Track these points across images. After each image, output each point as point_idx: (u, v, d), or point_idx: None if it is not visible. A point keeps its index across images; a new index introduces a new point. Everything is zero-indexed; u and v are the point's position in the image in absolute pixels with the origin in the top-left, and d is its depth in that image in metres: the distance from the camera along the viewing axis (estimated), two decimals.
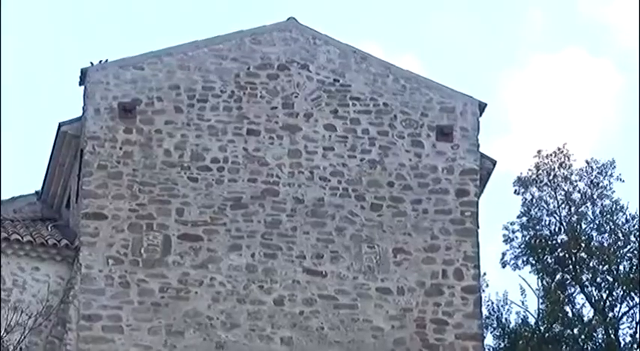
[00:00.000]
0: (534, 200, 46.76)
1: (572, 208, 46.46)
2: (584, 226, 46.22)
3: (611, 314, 45.86)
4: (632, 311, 46.14)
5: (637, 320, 46.23)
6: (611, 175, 46.51)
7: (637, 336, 46.04)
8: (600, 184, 46.51)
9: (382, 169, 36.99)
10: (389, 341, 35.61)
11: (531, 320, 46.73)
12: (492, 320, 44.48)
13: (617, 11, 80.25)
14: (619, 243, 45.92)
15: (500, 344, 45.42)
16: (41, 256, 35.53)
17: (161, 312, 34.83)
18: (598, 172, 46.69)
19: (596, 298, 46.04)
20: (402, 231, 36.60)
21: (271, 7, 57.76)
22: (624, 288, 45.50)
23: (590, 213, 46.47)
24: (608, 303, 46.06)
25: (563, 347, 45.50)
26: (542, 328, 46.33)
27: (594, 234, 46.25)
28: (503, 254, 46.10)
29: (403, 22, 74.06)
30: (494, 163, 38.57)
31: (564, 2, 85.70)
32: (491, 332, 43.29)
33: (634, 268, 45.74)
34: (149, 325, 34.68)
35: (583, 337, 45.95)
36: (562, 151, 46.89)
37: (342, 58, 37.77)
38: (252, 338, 34.98)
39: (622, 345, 45.68)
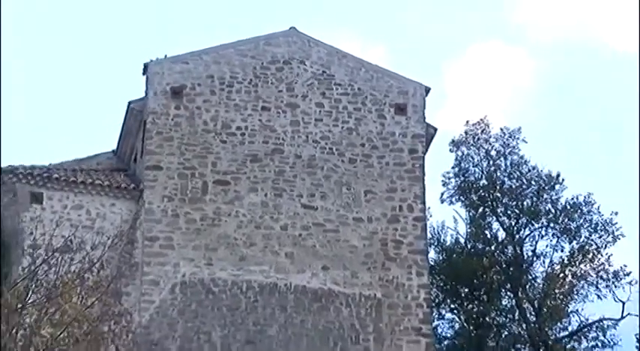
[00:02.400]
0: (463, 156, 46.74)
1: (490, 162, 46.43)
2: (498, 174, 46.24)
3: (517, 236, 45.86)
4: (532, 234, 46.14)
5: (536, 240, 46.21)
6: (518, 138, 46.43)
7: (536, 251, 46.09)
8: (510, 145, 46.45)
9: (357, 134, 37.17)
10: (361, 255, 35.93)
11: (461, 240, 46.73)
12: (434, 240, 44.58)
13: (530, 10, 79.60)
14: (523, 186, 45.92)
15: (439, 257, 45.48)
16: (116, 196, 35.72)
17: (201, 235, 35.06)
18: (509, 136, 46.62)
19: (507, 224, 46.04)
20: (370, 178, 36.82)
21: (274, 14, 56.76)
22: (527, 218, 45.56)
23: (503, 165, 46.42)
24: (515, 228, 46.04)
25: (484, 259, 45.49)
26: (469, 245, 46.39)
27: (506, 180, 46.25)
28: (442, 194, 46.14)
29: (375, 22, 73.66)
30: (435, 129, 38.78)
31: (492, 4, 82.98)
32: (433, 249, 43.26)
33: (534, 203, 45.77)
34: (192, 244, 34.91)
35: (498, 251, 46.02)
36: (483, 121, 46.91)
37: (329, 56, 37.92)
38: (265, 253, 35.26)
39: (525, 257, 45.75)
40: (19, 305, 20.96)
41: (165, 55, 37.23)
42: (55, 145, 64.41)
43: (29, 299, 21.91)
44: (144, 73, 36.66)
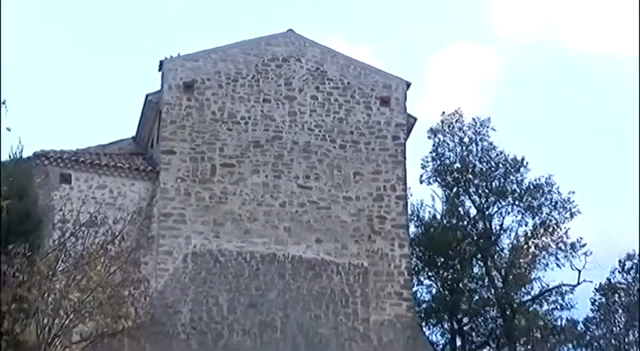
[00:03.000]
0: (440, 142, 46.62)
1: (463, 147, 46.33)
2: (470, 158, 46.14)
3: (487, 212, 45.85)
4: (500, 210, 46.16)
5: (503, 216, 46.23)
6: (487, 127, 46.30)
7: (503, 226, 46.13)
8: (481, 132, 46.32)
9: (346, 123, 37.12)
10: (350, 229, 35.93)
11: (438, 216, 46.70)
12: (414, 216, 44.48)
13: (499, 14, 79.59)
14: (492, 169, 45.88)
15: (418, 231, 45.40)
16: (135, 177, 35.67)
17: (209, 211, 35.04)
18: (480, 125, 46.49)
19: (478, 202, 45.96)
20: (358, 161, 36.79)
21: (274, 17, 56.78)
22: (495, 197, 45.55)
23: (474, 150, 46.27)
24: (485, 206, 46.00)
25: (457, 233, 45.51)
26: (444, 221, 46.32)
27: (477, 163, 46.14)
28: (421, 176, 45.98)
29: (362, 25, 73.51)
30: (415, 119, 38.72)
31: (466, 8, 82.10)
32: (413, 223, 43.19)
33: (501, 184, 45.78)
34: (202, 219, 34.90)
35: (469, 226, 46.03)
36: (457, 112, 46.78)
37: (322, 55, 37.84)
38: (265, 227, 35.26)
39: (493, 231, 45.77)
40: (50, 273, 20.98)
41: (178, 54, 37.15)
42: (82, 133, 64.52)
43: (59, 267, 21.95)
44: (159, 70, 36.61)
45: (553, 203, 45.87)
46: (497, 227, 46.53)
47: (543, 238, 46.39)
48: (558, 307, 46.98)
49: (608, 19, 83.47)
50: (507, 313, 45.60)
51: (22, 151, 24.29)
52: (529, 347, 46.33)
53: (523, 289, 47.02)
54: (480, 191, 46.37)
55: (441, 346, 45.26)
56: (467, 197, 46.58)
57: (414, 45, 77.67)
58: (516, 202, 46.15)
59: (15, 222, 19.61)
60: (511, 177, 46.20)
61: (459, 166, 46.48)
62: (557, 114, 72.52)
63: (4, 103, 16.52)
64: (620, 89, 75.83)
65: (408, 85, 38.44)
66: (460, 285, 46.28)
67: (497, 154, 46.37)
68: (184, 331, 33.17)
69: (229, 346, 33.70)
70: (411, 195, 41.28)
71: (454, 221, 46.41)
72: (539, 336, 46.91)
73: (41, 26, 76.09)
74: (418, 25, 78.21)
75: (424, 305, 45.39)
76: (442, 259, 45.87)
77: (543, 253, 46.40)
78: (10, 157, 23.76)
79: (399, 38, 74.62)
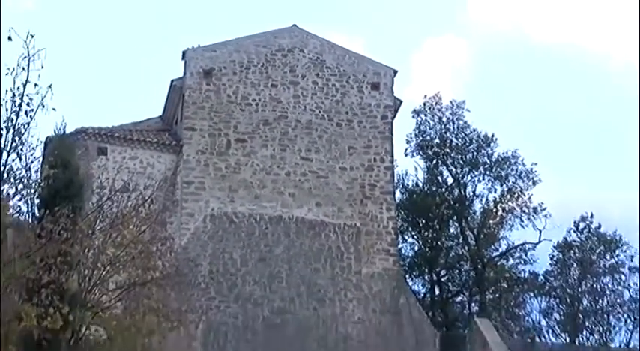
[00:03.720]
0: (422, 121, 46.37)
1: (442, 126, 46.14)
2: (448, 135, 45.96)
3: (462, 181, 45.77)
4: (472, 179, 46.12)
5: (475, 184, 46.19)
6: (463, 108, 46.06)
7: (475, 192, 46.11)
8: (457, 113, 46.07)
9: (342, 105, 37.11)
10: (346, 194, 36.12)
11: (420, 184, 46.58)
12: (400, 184, 44.18)
13: (472, 11, 79.16)
14: (466, 144, 46.13)
15: (403, 197, 45.24)
16: (162, 150, 35.77)
17: (225, 179, 35.15)
18: (456, 106, 46.24)
19: (454, 173, 45.80)
20: (352, 137, 36.81)
21: (281, 14, 56.60)
22: (469, 167, 45.48)
23: (451, 128, 46.08)
24: (460, 175, 45.90)
25: (436, 198, 45.51)
26: (425, 188, 46.22)
27: (453, 139, 45.93)
28: (406, 150, 45.71)
29: (356, 19, 73.25)
30: (401, 101, 38.67)
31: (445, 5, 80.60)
32: (399, 190, 43.11)
33: (474, 157, 45.68)
34: (219, 186, 35.02)
35: (447, 192, 46.16)
36: (437, 95, 46.57)
37: (321, 46, 37.78)
38: (273, 193, 35.39)
39: (467, 197, 45.73)
40: (90, 231, 20.98)
41: (199, 45, 37.21)
42: (117, 112, 64.48)
43: (97, 227, 21.94)
44: (182, 58, 36.52)
45: (518, 173, 45.81)
46: (471, 194, 46.46)
47: (509, 203, 46.36)
48: (522, 261, 47.02)
49: (572, 14, 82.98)
50: (478, 266, 45.68)
51: (65, 127, 24.22)
52: (497, 295, 46.42)
53: (492, 246, 47.07)
54: (455, 163, 46.25)
55: (422, 295, 45.26)
56: (445, 168, 46.49)
57: (401, 37, 77.17)
58: (487, 172, 46.09)
59: (60, 188, 19.64)
60: (482, 151, 46.08)
61: (438, 141, 46.35)
62: (523, 97, 72.34)
63: (50, 86, 16.56)
64: (579, 76, 75.58)
65: (395, 72, 38.37)
66: (438, 243, 46.30)
67: (471, 132, 46.21)
68: (204, 280, 33.34)
69: (242, 294, 33.88)
70: (397, 166, 41.25)
71: (434, 188, 46.36)
72: (505, 286, 47.03)
73: (82, 19, 75.99)
74: (404, 20, 77.55)
75: (408, 260, 45.38)
76: (423, 221, 45.86)
77: (509, 215, 46.40)
78: (55, 133, 23.75)
79: (388, 32, 74.10)
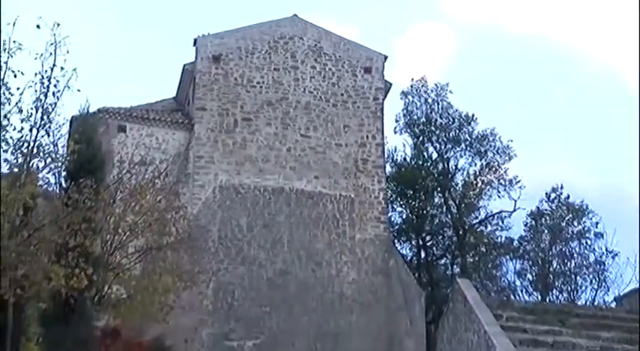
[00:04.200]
0: (409, 102, 46.20)
1: (428, 106, 45.95)
2: (433, 114, 45.77)
3: (445, 156, 45.72)
4: (455, 155, 46.05)
5: (457, 159, 46.13)
6: (446, 90, 45.88)
7: (457, 166, 46.21)
8: (441, 95, 45.83)
9: (338, 87, 37.08)
10: (341, 168, 36.21)
11: (408, 158, 46.46)
12: (389, 158, 43.91)
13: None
14: (449, 122, 45.76)
15: (392, 170, 45.01)
16: (176, 128, 35.78)
17: (233, 154, 35.22)
18: (440, 89, 45.98)
19: (438, 148, 45.72)
20: (347, 116, 36.82)
21: (282, 4, 56.29)
22: (452, 144, 45.42)
23: (436, 108, 45.89)
24: (444, 151, 45.82)
25: (422, 171, 45.79)
26: (412, 162, 46.28)
27: (438, 118, 45.76)
28: (395, 128, 45.62)
29: (350, 10, 72.96)
30: (391, 84, 38.57)
31: None
32: (388, 164, 43.00)
33: (456, 134, 45.65)
34: (227, 160, 35.07)
35: (431, 166, 46.17)
36: (423, 78, 46.36)
37: (319, 34, 37.65)
38: (276, 167, 35.46)
39: (450, 170, 45.73)
40: (111, 200, 21.05)
41: (208, 33, 37.00)
42: (135, 93, 64.48)
43: (118, 196, 22.02)
44: (194, 45, 36.43)
45: (496, 149, 45.76)
46: (453, 167, 46.36)
47: (488, 176, 46.34)
48: (499, 228, 47.03)
49: (546, 7, 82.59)
50: (460, 232, 45.71)
51: (88, 107, 24.21)
52: (476, 259, 46.41)
53: (472, 214, 47.06)
54: (439, 140, 46.13)
55: (409, 258, 45.21)
56: (430, 144, 46.38)
57: (389, 25, 76.62)
58: (467, 148, 46.03)
59: (84, 162, 19.66)
60: (464, 129, 46.00)
61: (424, 120, 46.20)
62: (501, 81, 72.02)
63: (74, 70, 16.60)
64: (551, 64, 75.34)
65: (386, 57, 38.24)
66: (424, 211, 46.27)
67: (454, 112, 46.03)
68: (213, 245, 33.41)
69: (248, 257, 34.01)
70: (387, 142, 41.10)
71: (420, 163, 46.27)
72: (484, 250, 47.03)
73: (103, 9, 75.71)
74: (391, 8, 76.93)
75: (396, 227, 45.29)
76: (410, 192, 45.78)
77: (488, 187, 46.40)
78: (79, 112, 23.76)
79: (377, 19, 73.67)
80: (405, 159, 46.79)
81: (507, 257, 46.78)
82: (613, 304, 32.36)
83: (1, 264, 15.76)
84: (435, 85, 46.53)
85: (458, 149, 46.19)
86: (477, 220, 47.31)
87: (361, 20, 71.00)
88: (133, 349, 21.78)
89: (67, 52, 16.48)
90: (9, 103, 16.27)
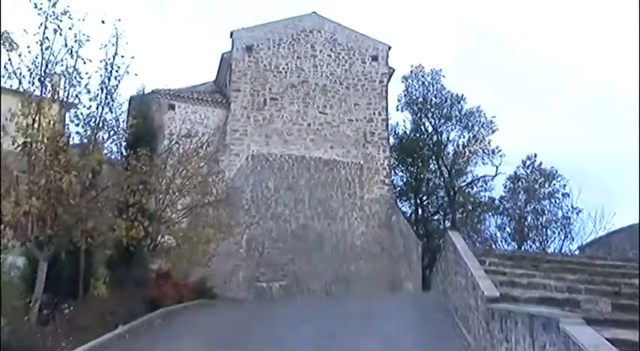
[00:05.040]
0: (409, 84, 46.21)
1: (424, 88, 45.86)
2: (429, 95, 45.77)
3: (439, 130, 45.78)
4: (447, 128, 46.21)
5: (449, 132, 46.14)
6: (440, 75, 45.84)
7: (449, 138, 46.29)
8: (436, 78, 45.67)
9: (349, 72, 36.91)
10: (352, 139, 36.14)
11: (408, 131, 46.51)
12: (392, 132, 43.57)
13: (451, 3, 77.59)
14: (442, 101, 46.08)
15: (395, 141, 44.79)
16: (216, 106, 35.87)
17: (262, 128, 35.27)
18: (435, 73, 45.79)
19: (433, 123, 46.01)
20: (357, 96, 36.70)
21: (304, 3, 55.85)
22: (444, 119, 46.03)
23: (431, 90, 45.83)
24: (438, 125, 45.87)
25: (420, 142, 45.85)
26: (411, 135, 46.30)
27: (433, 98, 45.74)
28: (397, 106, 45.61)
29: (359, 7, 72.25)
30: (394, 70, 38.32)
31: None
32: (392, 136, 42.76)
33: (448, 111, 45.68)
34: (257, 133, 35.10)
35: (427, 138, 46.49)
36: (421, 65, 46.40)
37: (334, 28, 37.34)
38: (298, 139, 35.52)
39: (442, 141, 45.78)
40: (163, 166, 21.16)
41: (242, 27, 36.83)
42: (182, 77, 64.49)
43: (168, 163, 22.11)
44: (230, 37, 36.30)
45: (481, 124, 45.72)
46: (445, 139, 46.36)
47: (474, 146, 46.31)
48: (483, 189, 47.16)
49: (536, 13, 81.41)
50: (450, 193, 45.79)
51: (144, 89, 24.35)
52: (464, 215, 46.52)
53: (461, 178, 47.13)
54: (434, 116, 46.06)
55: (408, 214, 45.34)
56: (426, 120, 46.32)
57: (392, 17, 75.89)
58: (457, 123, 45.99)
59: (140, 134, 19.72)
60: (454, 107, 45.90)
61: (421, 100, 46.12)
62: (488, 69, 71.44)
63: (132, 58, 16.74)
64: (534, 58, 74.71)
65: (390, 47, 37.96)
66: (421, 176, 46.32)
67: (446, 92, 45.97)
68: (247, 204, 33.53)
69: (275, 213, 34.10)
70: (391, 118, 40.97)
71: (417, 135, 46.26)
72: (470, 208, 47.12)
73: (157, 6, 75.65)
74: (399, 8, 76.09)
75: (398, 188, 45.37)
76: (410, 159, 45.80)
77: (474, 155, 46.42)
78: (136, 92, 23.85)
79: (383, 13, 73.09)
80: (405, 132, 46.83)
81: (490, 214, 46.90)
82: (577, 252, 32.36)
83: (74, 218, 15.92)
84: (431, 70, 46.43)
85: (449, 124, 46.19)
86: (465, 183, 47.39)
87: (370, 16, 70.37)
88: (181, 289, 21.91)
89: (127, 43, 16.65)
90: (79, 85, 16.39)
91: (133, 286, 18.71)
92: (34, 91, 15.90)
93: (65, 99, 16.47)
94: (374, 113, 36.77)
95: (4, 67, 15.54)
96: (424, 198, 47.34)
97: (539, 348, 8.75)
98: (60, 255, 16.86)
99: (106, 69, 16.73)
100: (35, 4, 15.61)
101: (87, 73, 16.40)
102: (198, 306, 21.53)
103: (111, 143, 18.74)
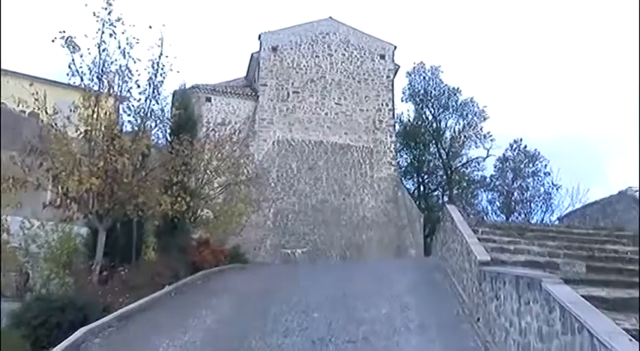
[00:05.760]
0: (412, 79, 45.80)
1: (425, 82, 45.57)
2: (429, 88, 45.84)
3: (437, 118, 45.61)
4: (445, 117, 46.12)
5: (447, 119, 46.04)
6: (439, 70, 45.50)
7: (447, 125, 45.95)
8: (435, 73, 45.40)
9: (361, 68, 36.62)
10: (363, 126, 35.96)
11: (411, 119, 46.31)
12: (398, 119, 43.29)
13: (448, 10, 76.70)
14: (441, 93, 45.75)
15: (400, 128, 44.14)
16: (246, 99, 35.66)
17: (286, 117, 35.21)
18: (434, 70, 45.32)
19: (433, 112, 45.76)
20: (367, 90, 36.50)
21: (321, 9, 55.35)
22: (442, 109, 46.10)
23: (431, 83, 45.52)
24: (437, 114, 45.85)
25: (421, 129, 45.75)
26: (414, 122, 46.24)
27: (433, 91, 45.61)
28: (402, 98, 45.37)
29: (368, 13, 71.63)
30: (399, 66, 37.92)
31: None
32: (397, 124, 42.28)
33: (446, 102, 45.51)
34: (282, 122, 35.07)
35: (428, 125, 46.32)
36: (423, 62, 46.15)
37: (347, 31, 36.92)
38: (317, 126, 35.50)
39: (441, 127, 45.69)
40: (201, 149, 21.24)
41: (269, 31, 36.64)
42: (217, 73, 64.42)
43: (206, 147, 22.18)
44: (258, 39, 36.10)
45: (474, 112, 45.41)
46: (443, 126, 46.08)
47: (468, 132, 46.09)
48: (476, 169, 46.99)
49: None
50: (448, 173, 45.68)
51: (185, 84, 24.42)
52: (460, 191, 46.39)
53: (457, 159, 46.95)
54: (434, 106, 45.73)
55: (411, 190, 45.22)
56: (427, 109, 45.99)
57: (397, 19, 75.21)
58: (454, 112, 45.67)
59: (182, 123, 19.84)
60: (451, 98, 45.57)
61: (423, 92, 45.78)
62: (480, 64, 70.78)
63: (175, 57, 16.85)
64: (522, 53, 73.89)
65: (395, 47, 37.58)
66: (422, 157, 46.12)
67: (444, 86, 45.73)
68: (273, 182, 33.62)
69: (297, 190, 34.19)
70: (396, 108, 40.57)
71: (419, 123, 45.98)
72: (465, 185, 46.98)
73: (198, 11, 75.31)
74: (403, 12, 75.30)
75: (403, 168, 45.17)
76: (413, 144, 45.60)
77: (468, 140, 46.18)
78: (179, 87, 23.97)
79: (390, 15, 72.42)
80: (409, 120, 46.61)
81: (481, 190, 46.83)
82: (556, 222, 32.25)
83: (127, 194, 16.11)
84: (432, 67, 46.16)
85: (447, 113, 45.92)
86: (460, 164, 47.20)
87: (378, 17, 69.86)
88: (218, 255, 22.07)
89: (170, 45, 16.82)
90: (130, 81, 16.55)
91: (177, 252, 18.90)
92: (93, 87, 16.11)
93: (119, 93, 16.66)
94: (382, 104, 36.58)
95: (69, 66, 15.76)
96: (425, 177, 47.22)
97: (524, 304, 8.80)
98: (116, 225, 17.13)
99: (153, 67, 16.92)
100: (94, 12, 15.79)
101: (137, 71, 16.62)
102: (232, 269, 21.70)
103: (157, 131, 19.01)
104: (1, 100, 20.19)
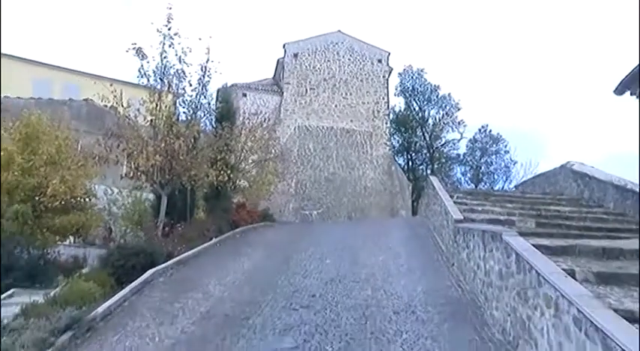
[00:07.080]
0: (403, 78, 45.65)
1: (413, 80, 45.31)
2: (416, 86, 45.45)
3: (423, 109, 45.28)
4: (429, 108, 45.73)
5: (429, 110, 45.36)
6: (423, 72, 45.23)
7: (430, 114, 45.38)
8: (421, 74, 45.04)
9: (363, 70, 36.32)
10: (365, 115, 35.70)
11: (402, 110, 46.05)
12: (392, 110, 42.51)
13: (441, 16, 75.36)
14: (425, 90, 45.28)
15: (394, 116, 43.95)
16: (274, 94, 35.46)
17: (304, 109, 34.97)
18: (420, 70, 44.99)
19: (419, 105, 45.33)
20: (368, 87, 36.18)
21: (332, 23, 54.63)
22: (426, 102, 45.74)
23: (417, 82, 45.13)
24: (422, 106, 45.52)
25: (410, 117, 45.31)
26: (405, 112, 45.76)
27: (418, 88, 45.23)
28: (394, 93, 44.92)
29: (371, 27, 70.67)
30: (392, 68, 37.49)
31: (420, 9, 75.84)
32: (391, 113, 42.12)
33: (429, 97, 45.14)
34: (301, 112, 34.88)
35: (415, 114, 45.79)
36: (411, 65, 45.78)
37: (352, 41, 36.61)
38: (328, 115, 35.24)
39: (423, 117, 45.13)
40: (239, 133, 21.28)
41: (291, 41, 36.24)
42: (252, 74, 64.12)
43: (242, 132, 22.21)
44: (283, 47, 35.84)
45: (451, 104, 45.03)
46: (427, 115, 45.78)
47: (446, 120, 45.70)
48: (452, 149, 46.76)
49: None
50: (430, 151, 45.52)
51: (226, 83, 24.43)
52: (440, 165, 46.18)
53: (437, 141, 46.71)
54: (420, 100, 45.42)
55: (402, 165, 44.96)
56: (414, 102, 45.71)
57: (388, 30, 73.98)
58: (435, 104, 45.37)
59: (224, 114, 19.89)
60: (433, 93, 45.25)
61: (411, 88, 45.46)
62: (455, 68, 69.87)
63: (219, 62, 16.92)
64: (489, 50, 72.79)
65: (389, 53, 37.17)
66: (411, 139, 45.92)
67: (427, 83, 45.31)
68: (294, 159, 33.43)
69: (313, 165, 34.10)
70: (390, 101, 40.33)
71: (408, 113, 45.70)
72: (444, 161, 46.84)
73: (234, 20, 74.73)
74: (391, 18, 74.03)
75: (395, 148, 45.06)
76: (403, 129, 45.34)
77: (446, 126, 45.90)
78: (222, 85, 23.96)
79: (383, 28, 71.42)
80: (400, 110, 46.19)
81: (456, 165, 46.65)
82: (513, 189, 32.20)
83: (182, 168, 16.27)
84: (417, 69, 45.76)
85: (430, 105, 45.50)
86: (440, 144, 46.87)
87: (377, 32, 69.08)
88: (252, 215, 22.20)
89: (215, 52, 16.72)
90: (185, 81, 16.64)
91: (220, 213, 19.05)
92: (157, 86, 16.24)
93: (176, 91, 16.75)
94: (379, 98, 36.29)
95: (138, 70, 15.95)
96: (413, 155, 46.98)
97: (488, 251, 8.87)
98: (174, 192, 17.30)
99: (202, 70, 16.95)
100: (157, 29, 15.97)
101: (189, 74, 16.70)
102: (263, 226, 21.84)
103: (205, 119, 19.03)
104: (13, 94, 20.58)
